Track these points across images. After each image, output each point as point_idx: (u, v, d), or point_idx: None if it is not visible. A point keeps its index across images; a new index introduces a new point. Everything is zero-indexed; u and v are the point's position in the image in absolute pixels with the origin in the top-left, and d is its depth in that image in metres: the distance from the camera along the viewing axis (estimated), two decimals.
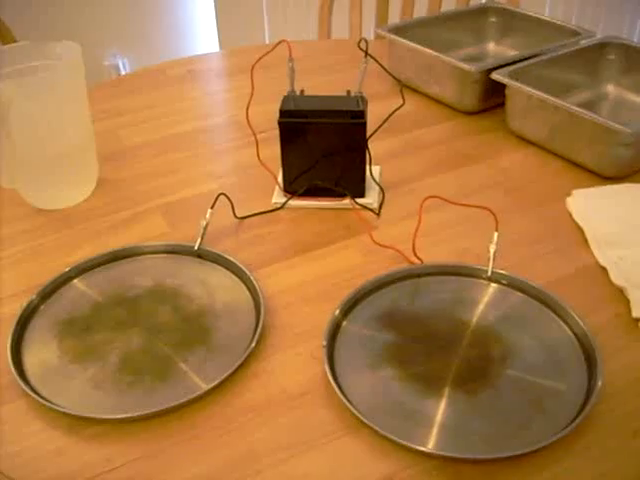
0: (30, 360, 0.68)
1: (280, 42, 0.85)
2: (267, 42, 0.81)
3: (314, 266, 0.79)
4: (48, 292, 0.75)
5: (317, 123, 0.84)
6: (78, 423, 0.62)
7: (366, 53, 0.83)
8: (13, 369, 0.66)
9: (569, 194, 0.89)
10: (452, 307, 0.72)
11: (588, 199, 0.88)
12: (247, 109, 0.90)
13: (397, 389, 0.64)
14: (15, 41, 1.49)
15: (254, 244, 0.83)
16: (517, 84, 1.00)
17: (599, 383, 0.61)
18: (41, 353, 0.69)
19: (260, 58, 0.85)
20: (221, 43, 2.59)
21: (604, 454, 0.58)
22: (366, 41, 0.83)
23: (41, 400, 0.63)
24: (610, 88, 1.12)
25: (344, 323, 0.70)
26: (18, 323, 0.71)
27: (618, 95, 1.12)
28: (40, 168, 0.88)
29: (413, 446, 0.58)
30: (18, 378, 0.65)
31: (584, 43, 1.13)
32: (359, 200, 0.87)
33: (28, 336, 0.71)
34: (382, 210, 0.88)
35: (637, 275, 0.74)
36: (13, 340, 0.69)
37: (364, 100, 0.85)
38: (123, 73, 2.52)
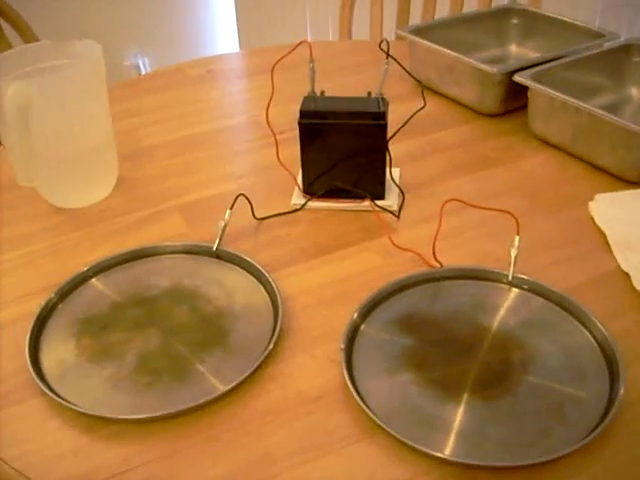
0: (48, 359, 0.68)
1: (301, 42, 0.84)
2: (287, 42, 0.80)
3: (333, 268, 0.79)
4: (66, 291, 0.76)
5: (337, 124, 0.84)
6: (95, 423, 0.62)
7: (387, 54, 0.82)
8: (31, 368, 0.66)
9: (591, 198, 0.87)
10: (472, 311, 0.71)
11: (611, 204, 0.86)
12: (267, 109, 0.90)
13: (415, 394, 0.63)
14: (36, 40, 1.50)
15: (273, 245, 0.83)
16: (540, 86, 0.99)
17: (621, 391, 0.60)
18: (59, 352, 0.69)
19: (281, 59, 0.85)
20: (241, 43, 2.60)
21: (625, 464, 0.57)
22: (387, 42, 0.82)
23: (58, 399, 0.63)
24: (634, 91, 1.11)
25: (362, 326, 0.70)
26: (36, 322, 0.71)
27: None
28: (60, 167, 0.89)
29: (430, 452, 0.57)
30: (35, 377, 0.65)
31: (608, 45, 1.11)
32: (379, 202, 0.87)
33: (46, 335, 0.71)
34: (402, 212, 0.87)
35: None
36: (31, 338, 0.69)
37: (385, 102, 0.85)
38: (143, 73, 2.53)
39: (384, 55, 0.83)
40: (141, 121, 1.13)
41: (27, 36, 1.58)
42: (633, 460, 0.57)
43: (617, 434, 0.59)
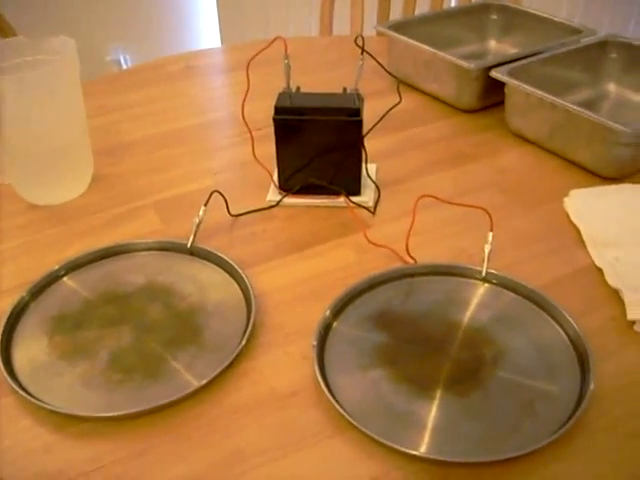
0: (19, 357, 0.68)
1: (276, 38, 0.84)
2: (269, 38, 0.80)
3: (307, 265, 0.79)
4: (39, 289, 0.75)
5: (313, 120, 0.84)
6: (66, 421, 0.62)
7: (362, 50, 0.82)
8: (2, 366, 0.65)
9: (567, 194, 0.88)
10: (445, 308, 0.72)
11: (586, 199, 0.87)
12: (242, 105, 0.89)
13: (388, 390, 0.63)
14: (15, 36, 1.49)
15: (248, 242, 0.82)
16: (516, 82, 0.99)
17: (591, 386, 0.61)
18: (31, 350, 0.68)
19: (256, 54, 0.85)
20: (223, 39, 2.59)
21: (596, 458, 0.57)
22: (362, 38, 0.82)
23: (29, 397, 0.63)
24: (611, 87, 1.12)
25: (335, 323, 0.70)
26: (8, 320, 0.71)
27: (619, 94, 1.11)
28: (34, 163, 0.88)
29: (402, 448, 0.57)
30: (7, 375, 0.64)
31: (585, 41, 1.12)
32: (354, 198, 0.87)
33: (18, 333, 0.70)
34: (377, 209, 0.87)
35: (633, 277, 0.74)
36: (3, 337, 0.69)
37: (360, 98, 0.85)
38: (124, 68, 2.52)
39: (360, 52, 0.82)
40: (120, 117, 1.13)
41: (7, 33, 1.57)
42: (603, 454, 0.58)
43: (588, 428, 0.60)
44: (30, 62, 0.89)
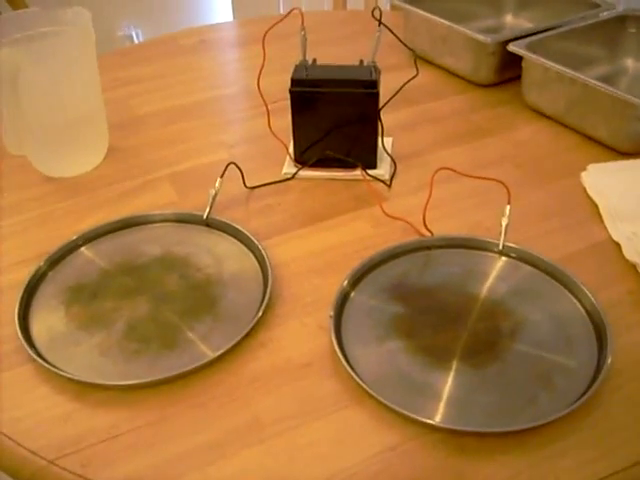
0: (37, 326, 0.68)
1: (292, 10, 0.83)
2: (283, 13, 0.80)
3: (323, 237, 0.79)
4: (56, 259, 0.75)
5: (329, 93, 0.83)
6: (84, 389, 0.62)
7: (380, 22, 0.81)
8: (20, 335, 0.66)
9: (584, 169, 0.87)
10: (462, 280, 0.71)
11: (603, 174, 0.86)
12: (258, 79, 0.89)
13: (404, 361, 0.63)
14: (26, 8, 1.48)
15: (264, 214, 0.82)
16: (534, 56, 0.98)
17: (609, 360, 0.61)
18: (48, 320, 0.69)
19: (272, 27, 0.84)
20: (235, 13, 2.57)
21: (611, 430, 0.57)
22: (380, 10, 0.81)
23: (47, 366, 0.63)
24: (630, 62, 1.10)
25: (352, 294, 0.70)
26: (26, 290, 0.71)
27: (637, 69, 1.09)
28: (49, 135, 0.88)
29: (417, 418, 0.57)
30: (25, 344, 0.65)
31: (604, 15, 1.10)
32: (370, 171, 0.86)
33: (36, 303, 0.71)
34: (393, 182, 0.87)
35: None
36: (21, 306, 0.69)
37: (377, 70, 0.84)
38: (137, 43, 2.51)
39: (377, 24, 0.82)
40: (133, 90, 1.12)
41: (18, 5, 1.57)
42: (619, 427, 0.58)
43: (604, 401, 0.59)
44: (44, 33, 0.88)
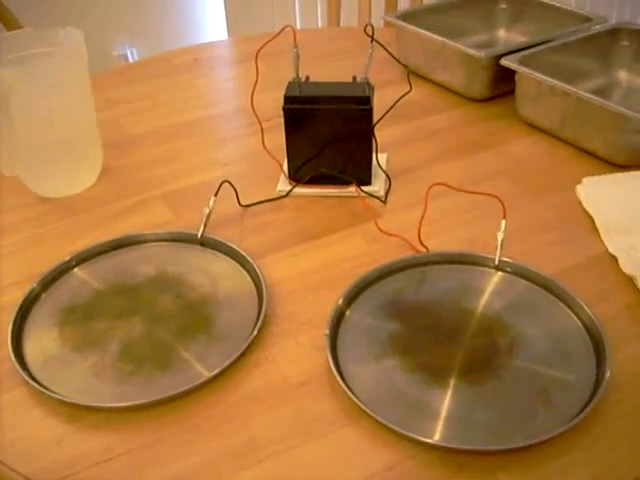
0: (31, 348, 0.68)
1: (285, 28, 0.83)
2: (276, 31, 0.79)
3: (318, 254, 0.78)
4: (49, 280, 0.75)
5: (322, 109, 0.83)
6: (77, 411, 0.61)
7: (372, 38, 0.82)
8: (13, 357, 0.65)
9: (579, 182, 0.87)
10: (458, 296, 0.71)
11: (599, 187, 0.86)
12: (252, 96, 0.89)
13: (401, 379, 0.62)
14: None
15: (258, 232, 0.82)
16: (527, 70, 0.98)
17: (607, 374, 0.60)
18: (42, 341, 0.68)
19: (264, 45, 0.84)
20: (230, 33, 2.58)
21: (612, 446, 0.57)
22: (372, 26, 0.81)
23: (41, 388, 0.62)
24: (622, 75, 1.11)
25: (348, 312, 0.69)
26: (19, 311, 0.70)
27: (631, 82, 1.10)
28: (42, 155, 0.88)
29: (415, 437, 0.57)
30: (18, 366, 0.64)
31: (596, 29, 1.11)
32: (365, 188, 0.86)
33: (29, 324, 0.70)
34: (388, 198, 0.87)
35: None
36: (14, 328, 0.68)
37: (370, 86, 0.84)
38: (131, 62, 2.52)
39: (369, 40, 0.82)
40: (127, 110, 1.12)
41: (12, 26, 1.57)
42: (620, 443, 0.57)
43: (604, 417, 0.59)
44: (37, 54, 0.88)
